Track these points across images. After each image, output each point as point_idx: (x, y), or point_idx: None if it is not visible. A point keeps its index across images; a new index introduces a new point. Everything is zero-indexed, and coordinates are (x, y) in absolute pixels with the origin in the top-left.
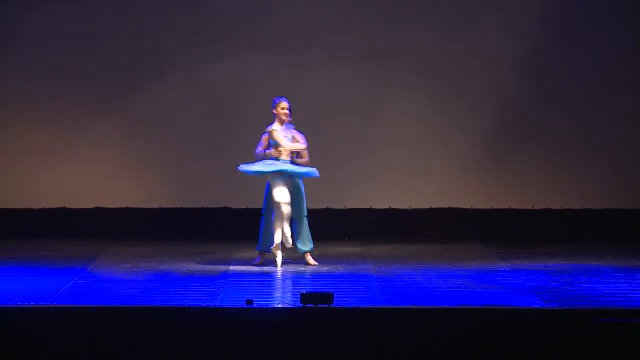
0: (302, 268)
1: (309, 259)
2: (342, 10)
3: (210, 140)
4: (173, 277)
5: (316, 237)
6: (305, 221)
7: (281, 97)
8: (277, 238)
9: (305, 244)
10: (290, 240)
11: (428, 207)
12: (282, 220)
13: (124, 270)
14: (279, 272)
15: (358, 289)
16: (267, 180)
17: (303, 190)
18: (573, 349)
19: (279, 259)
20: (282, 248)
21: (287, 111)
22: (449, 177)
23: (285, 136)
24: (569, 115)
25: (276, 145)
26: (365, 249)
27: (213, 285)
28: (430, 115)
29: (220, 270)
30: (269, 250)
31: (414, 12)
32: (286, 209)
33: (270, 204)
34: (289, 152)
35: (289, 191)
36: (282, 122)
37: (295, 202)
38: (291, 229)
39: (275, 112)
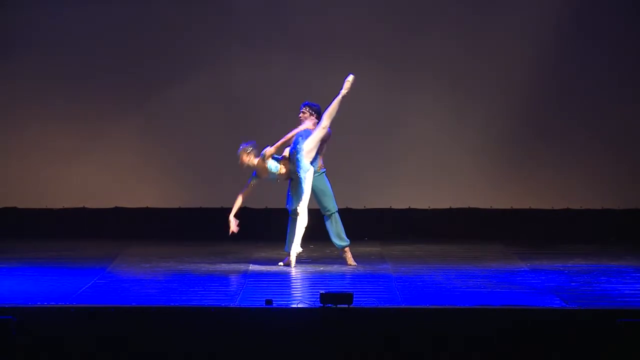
0: (322, 268)
1: (349, 257)
2: (361, 13)
3: (230, 140)
4: (193, 277)
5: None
6: (334, 217)
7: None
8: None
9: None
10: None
11: (448, 207)
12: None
13: (143, 270)
14: (293, 271)
15: (377, 289)
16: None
17: (328, 185)
18: (593, 349)
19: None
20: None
21: (299, 114)
22: (468, 177)
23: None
24: (589, 116)
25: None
26: (384, 249)
27: (233, 285)
28: (449, 116)
29: (239, 270)
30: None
31: (431, 16)
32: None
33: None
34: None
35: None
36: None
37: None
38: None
39: None
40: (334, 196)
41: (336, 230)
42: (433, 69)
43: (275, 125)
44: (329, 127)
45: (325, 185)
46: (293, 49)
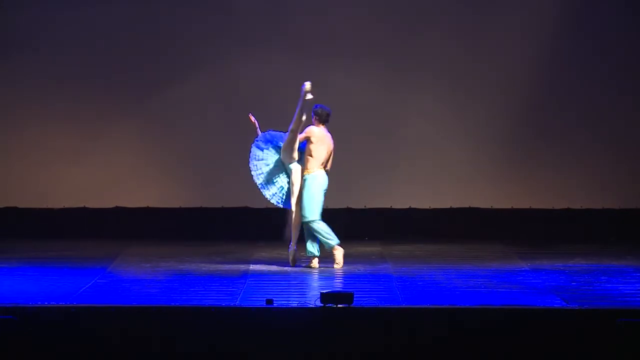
0: (322, 268)
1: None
2: (361, 13)
3: (230, 140)
4: (193, 277)
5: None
6: (307, 225)
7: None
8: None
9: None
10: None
11: (448, 207)
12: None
13: (144, 270)
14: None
15: (378, 288)
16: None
17: (305, 191)
18: (594, 349)
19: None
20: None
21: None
22: (469, 177)
23: None
24: (589, 116)
25: None
26: (385, 249)
27: (233, 285)
28: (450, 116)
29: (240, 270)
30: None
31: (432, 16)
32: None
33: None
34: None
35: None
36: None
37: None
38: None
39: None
40: (315, 203)
41: (307, 238)
42: (433, 69)
43: (275, 125)
44: (331, 136)
45: (305, 191)
46: (293, 49)
